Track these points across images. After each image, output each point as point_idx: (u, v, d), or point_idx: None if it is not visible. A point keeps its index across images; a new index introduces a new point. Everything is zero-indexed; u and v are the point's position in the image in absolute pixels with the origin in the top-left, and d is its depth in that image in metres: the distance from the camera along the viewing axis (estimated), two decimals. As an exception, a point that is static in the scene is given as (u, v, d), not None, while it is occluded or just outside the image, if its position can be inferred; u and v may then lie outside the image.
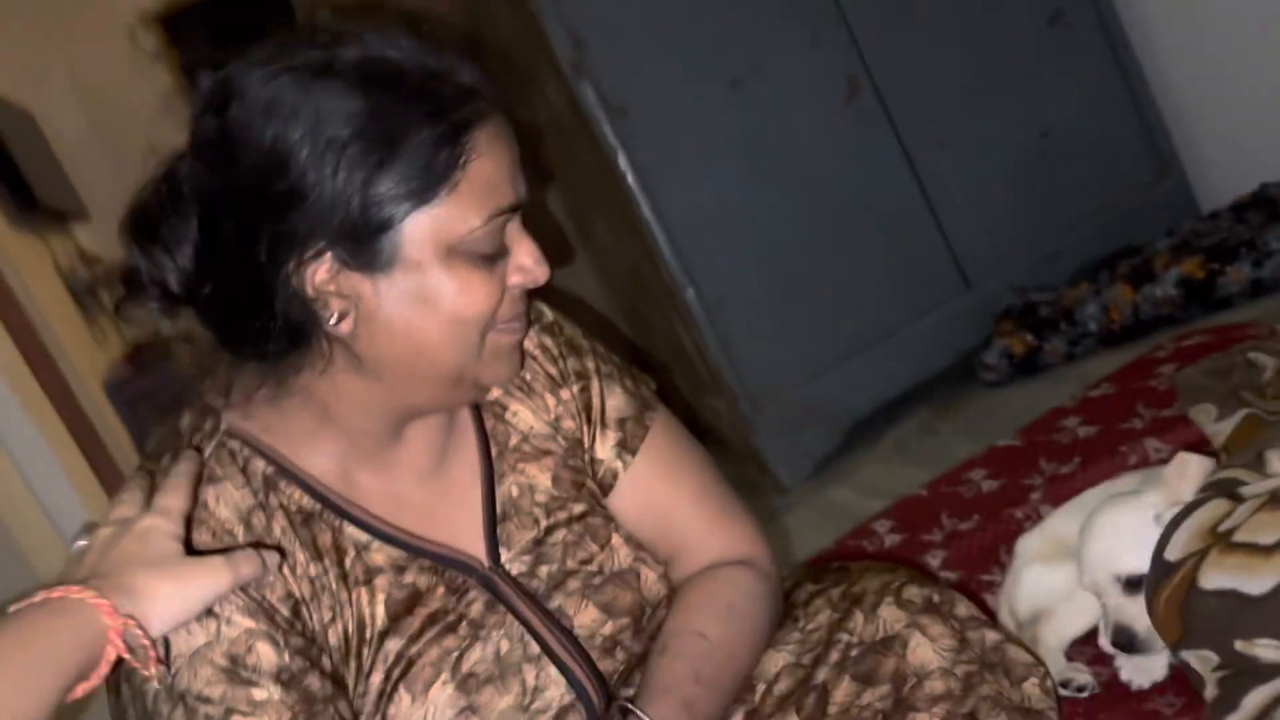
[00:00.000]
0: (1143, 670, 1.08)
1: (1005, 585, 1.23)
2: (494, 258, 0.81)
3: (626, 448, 0.97)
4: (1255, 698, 0.89)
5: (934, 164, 2.35)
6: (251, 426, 0.84)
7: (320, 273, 0.78)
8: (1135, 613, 1.05)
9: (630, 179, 2.15)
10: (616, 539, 0.93)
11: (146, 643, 0.67)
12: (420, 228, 0.77)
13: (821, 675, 0.90)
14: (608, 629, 0.89)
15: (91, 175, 3.59)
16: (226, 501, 0.80)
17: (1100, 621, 1.13)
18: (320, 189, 0.74)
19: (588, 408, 0.97)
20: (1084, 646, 1.14)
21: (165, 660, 0.74)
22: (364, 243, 0.77)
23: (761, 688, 0.92)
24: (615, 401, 0.98)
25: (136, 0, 3.47)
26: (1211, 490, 1.04)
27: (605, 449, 0.97)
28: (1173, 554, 0.99)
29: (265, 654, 0.75)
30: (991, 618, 1.07)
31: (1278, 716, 0.87)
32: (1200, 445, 1.42)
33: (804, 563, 1.42)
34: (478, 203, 0.78)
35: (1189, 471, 1.09)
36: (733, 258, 2.23)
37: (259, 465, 0.82)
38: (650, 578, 0.93)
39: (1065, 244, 2.45)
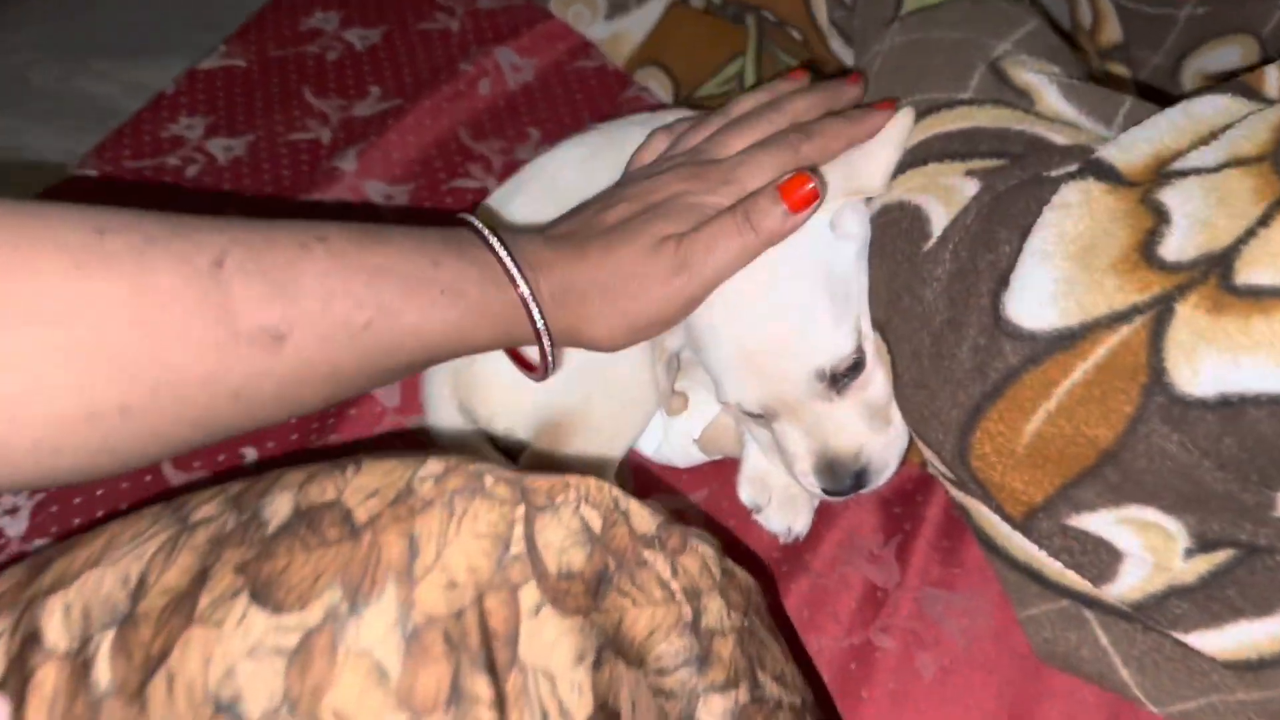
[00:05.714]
0: (796, 510, 0.58)
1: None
2: None
3: None
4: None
5: None
6: None
7: None
8: (843, 420, 0.52)
9: None
10: None
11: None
12: None
13: None
14: None
15: None
16: None
17: (743, 448, 0.59)
18: None
19: None
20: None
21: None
22: None
23: None
24: None
25: None
26: (966, 162, 0.48)
27: None
28: (1039, 317, 0.41)
29: None
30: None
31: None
32: (580, 54, 0.87)
33: None
34: None
35: (894, 135, 0.52)
36: None
37: None
38: None
39: None
